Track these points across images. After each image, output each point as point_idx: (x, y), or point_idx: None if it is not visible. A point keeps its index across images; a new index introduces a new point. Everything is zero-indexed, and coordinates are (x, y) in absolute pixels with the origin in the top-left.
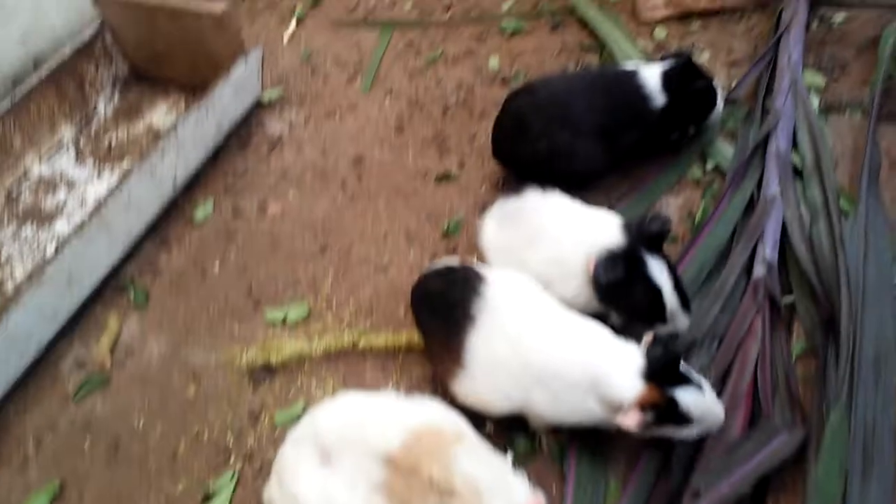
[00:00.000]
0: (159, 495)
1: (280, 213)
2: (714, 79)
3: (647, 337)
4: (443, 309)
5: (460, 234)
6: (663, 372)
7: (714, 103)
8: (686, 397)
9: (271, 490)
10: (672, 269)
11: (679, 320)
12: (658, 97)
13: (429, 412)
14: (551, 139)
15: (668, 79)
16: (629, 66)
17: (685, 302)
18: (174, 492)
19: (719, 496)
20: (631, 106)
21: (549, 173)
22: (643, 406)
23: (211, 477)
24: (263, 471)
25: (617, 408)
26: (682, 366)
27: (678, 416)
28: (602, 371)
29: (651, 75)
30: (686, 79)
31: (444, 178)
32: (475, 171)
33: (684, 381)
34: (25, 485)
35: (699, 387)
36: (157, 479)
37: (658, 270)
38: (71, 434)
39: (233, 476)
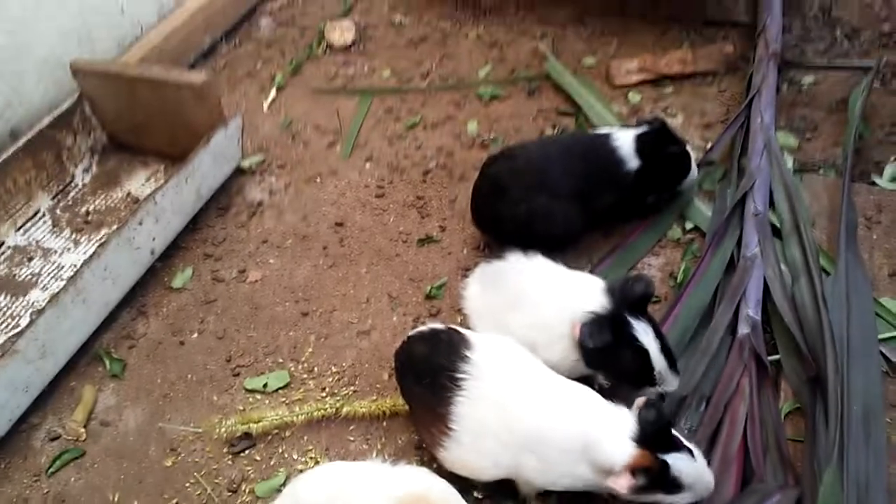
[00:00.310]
0: None
1: (260, 279)
2: (687, 144)
3: (639, 401)
4: (428, 374)
5: (443, 297)
6: (655, 436)
7: (687, 169)
8: (678, 462)
9: None
10: (658, 331)
11: (668, 382)
12: (632, 161)
13: (415, 480)
14: (529, 203)
15: (641, 143)
16: (604, 130)
17: (673, 363)
18: None
19: None
20: (605, 169)
21: (529, 236)
22: (634, 470)
23: None
24: None
25: (608, 472)
26: (673, 432)
27: (669, 482)
28: (593, 435)
29: (625, 139)
30: (659, 143)
31: (425, 241)
32: (456, 234)
33: (676, 446)
34: None
35: (690, 453)
36: None
37: (644, 333)
38: None
39: None
